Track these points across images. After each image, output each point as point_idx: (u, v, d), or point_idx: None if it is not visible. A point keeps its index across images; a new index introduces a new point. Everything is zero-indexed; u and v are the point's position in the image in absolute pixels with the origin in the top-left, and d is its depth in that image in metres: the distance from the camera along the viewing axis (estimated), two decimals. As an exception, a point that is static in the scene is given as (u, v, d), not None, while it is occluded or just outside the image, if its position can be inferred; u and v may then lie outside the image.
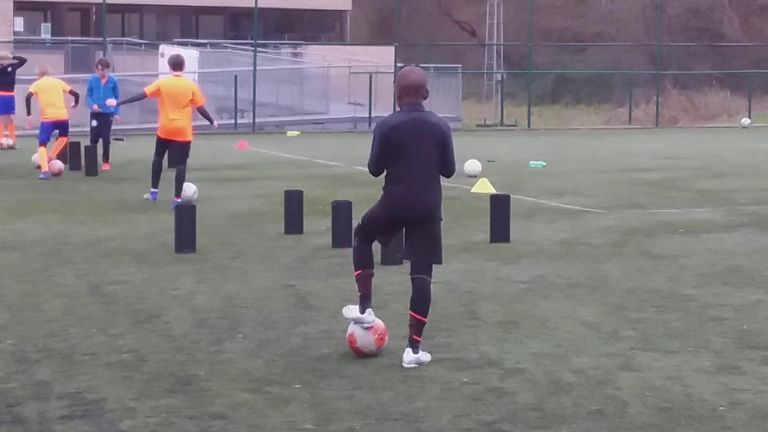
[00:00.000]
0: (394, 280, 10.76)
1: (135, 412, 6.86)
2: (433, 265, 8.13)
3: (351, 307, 8.29)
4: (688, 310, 9.84)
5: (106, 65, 22.88)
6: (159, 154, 17.51)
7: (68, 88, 22.57)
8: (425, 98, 8.02)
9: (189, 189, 17.45)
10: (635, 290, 10.71)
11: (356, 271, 8.23)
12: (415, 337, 7.98)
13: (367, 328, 8.16)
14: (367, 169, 8.28)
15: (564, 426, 6.64)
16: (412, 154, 7.92)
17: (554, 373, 7.76)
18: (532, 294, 10.51)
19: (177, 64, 17.51)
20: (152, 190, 17.53)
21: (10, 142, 28.34)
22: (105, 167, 22.54)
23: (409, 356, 7.94)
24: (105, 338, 8.74)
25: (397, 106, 8.13)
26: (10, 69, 28.11)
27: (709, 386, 7.46)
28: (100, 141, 22.64)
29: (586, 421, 6.72)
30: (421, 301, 8.03)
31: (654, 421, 6.73)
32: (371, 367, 7.89)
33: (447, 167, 8.09)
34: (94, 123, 22.56)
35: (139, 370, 7.81)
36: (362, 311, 8.17)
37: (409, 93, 7.99)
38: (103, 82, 22.46)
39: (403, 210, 8.00)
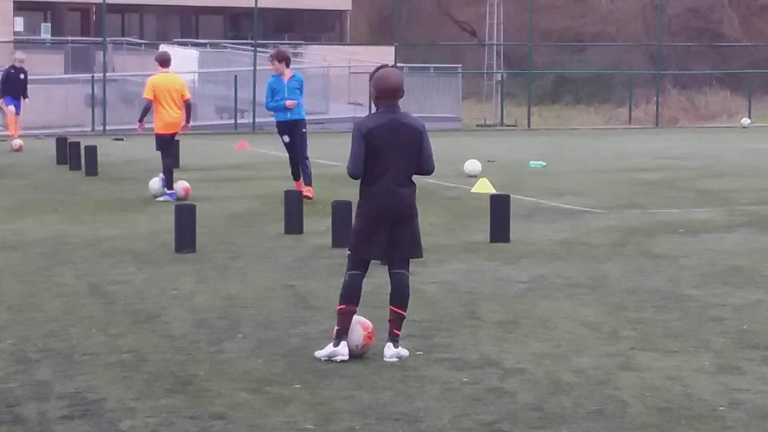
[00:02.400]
0: (394, 280, 10.78)
1: (135, 412, 6.86)
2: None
3: (320, 351, 8.21)
4: (688, 310, 9.84)
5: (286, 60, 17.45)
6: (170, 154, 17.88)
7: None
8: (401, 97, 8.18)
9: (157, 183, 17.99)
10: (635, 290, 10.70)
11: (340, 305, 8.19)
12: (395, 331, 8.13)
13: (357, 326, 8.16)
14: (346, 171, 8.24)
15: (564, 426, 6.64)
16: (390, 154, 8.07)
17: (554, 373, 7.76)
18: (532, 294, 10.51)
19: (165, 61, 17.89)
20: (171, 191, 17.59)
21: (21, 143, 28.25)
22: (306, 193, 16.81)
23: (390, 350, 8.09)
24: (105, 338, 8.74)
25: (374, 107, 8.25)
26: (22, 76, 28.08)
27: (709, 386, 7.46)
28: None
29: (586, 421, 6.72)
30: (401, 296, 8.16)
31: (654, 421, 6.73)
32: (371, 367, 7.89)
33: (425, 164, 8.23)
34: (286, 138, 17.62)
35: (139, 370, 7.81)
36: (336, 345, 8.11)
37: (387, 96, 8.14)
38: (285, 79, 17.44)
39: (383, 208, 8.09)
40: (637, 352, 8.33)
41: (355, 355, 8.11)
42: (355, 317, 8.21)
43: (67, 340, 8.68)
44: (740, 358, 8.18)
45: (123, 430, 6.54)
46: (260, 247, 13.17)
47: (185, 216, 12.87)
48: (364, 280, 8.23)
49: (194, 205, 13.22)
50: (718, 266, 12.01)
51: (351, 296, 8.16)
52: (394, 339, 8.12)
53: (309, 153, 17.94)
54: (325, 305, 9.92)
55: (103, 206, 17.11)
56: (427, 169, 8.26)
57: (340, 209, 13.27)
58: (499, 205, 13.81)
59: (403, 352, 8.15)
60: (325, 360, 8.04)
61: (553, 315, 9.58)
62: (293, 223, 14.30)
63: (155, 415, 6.80)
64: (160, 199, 17.56)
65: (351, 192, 17.96)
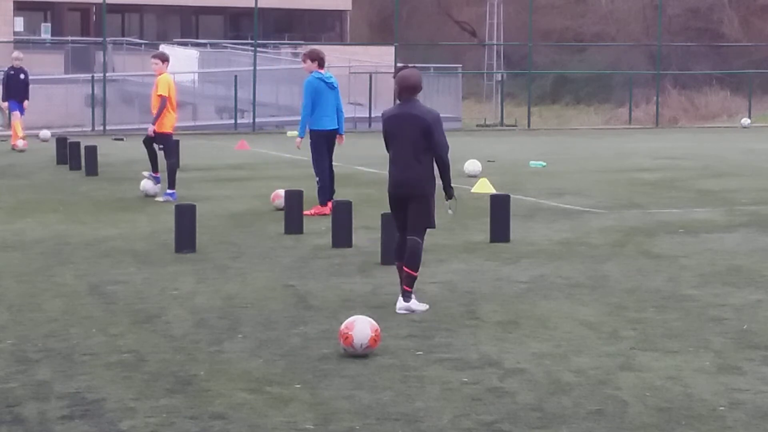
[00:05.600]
0: (394, 280, 10.75)
1: (135, 412, 6.86)
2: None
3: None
4: (688, 310, 9.84)
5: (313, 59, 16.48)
6: (173, 153, 17.96)
7: None
8: (419, 92, 9.73)
9: (149, 183, 18.05)
10: (635, 290, 10.70)
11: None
12: (406, 287, 9.57)
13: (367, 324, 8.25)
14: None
15: (564, 426, 6.64)
16: (399, 139, 9.71)
17: (554, 373, 7.76)
18: (532, 294, 10.51)
19: (168, 60, 17.86)
20: (172, 191, 17.60)
21: (25, 143, 28.18)
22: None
23: (400, 303, 9.56)
24: (105, 338, 8.74)
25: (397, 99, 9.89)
26: (22, 76, 27.93)
27: (709, 386, 7.46)
28: None
29: (586, 421, 6.72)
30: (411, 257, 9.59)
31: (654, 421, 6.73)
32: (371, 367, 7.89)
33: (436, 148, 9.67)
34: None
35: (139, 370, 7.81)
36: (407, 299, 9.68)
37: (406, 91, 9.76)
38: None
39: (393, 186, 9.79)
40: (637, 352, 8.33)
41: (358, 355, 8.11)
42: (366, 318, 8.31)
43: (67, 340, 8.68)
44: (740, 358, 8.18)
45: (123, 430, 6.54)
46: (260, 247, 13.17)
47: (185, 216, 12.87)
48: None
49: (194, 205, 13.22)
50: (718, 266, 12.01)
51: (396, 251, 9.84)
52: (406, 294, 9.53)
53: (309, 153, 16.38)
54: (325, 305, 9.92)
55: (103, 206, 17.11)
56: (438, 151, 9.65)
57: (340, 209, 13.27)
58: (499, 205, 13.80)
59: (416, 306, 9.49)
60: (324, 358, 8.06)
61: (553, 315, 9.58)
62: (293, 223, 14.29)
63: (155, 415, 6.80)
64: (160, 199, 17.56)
65: (351, 192, 18.00)
